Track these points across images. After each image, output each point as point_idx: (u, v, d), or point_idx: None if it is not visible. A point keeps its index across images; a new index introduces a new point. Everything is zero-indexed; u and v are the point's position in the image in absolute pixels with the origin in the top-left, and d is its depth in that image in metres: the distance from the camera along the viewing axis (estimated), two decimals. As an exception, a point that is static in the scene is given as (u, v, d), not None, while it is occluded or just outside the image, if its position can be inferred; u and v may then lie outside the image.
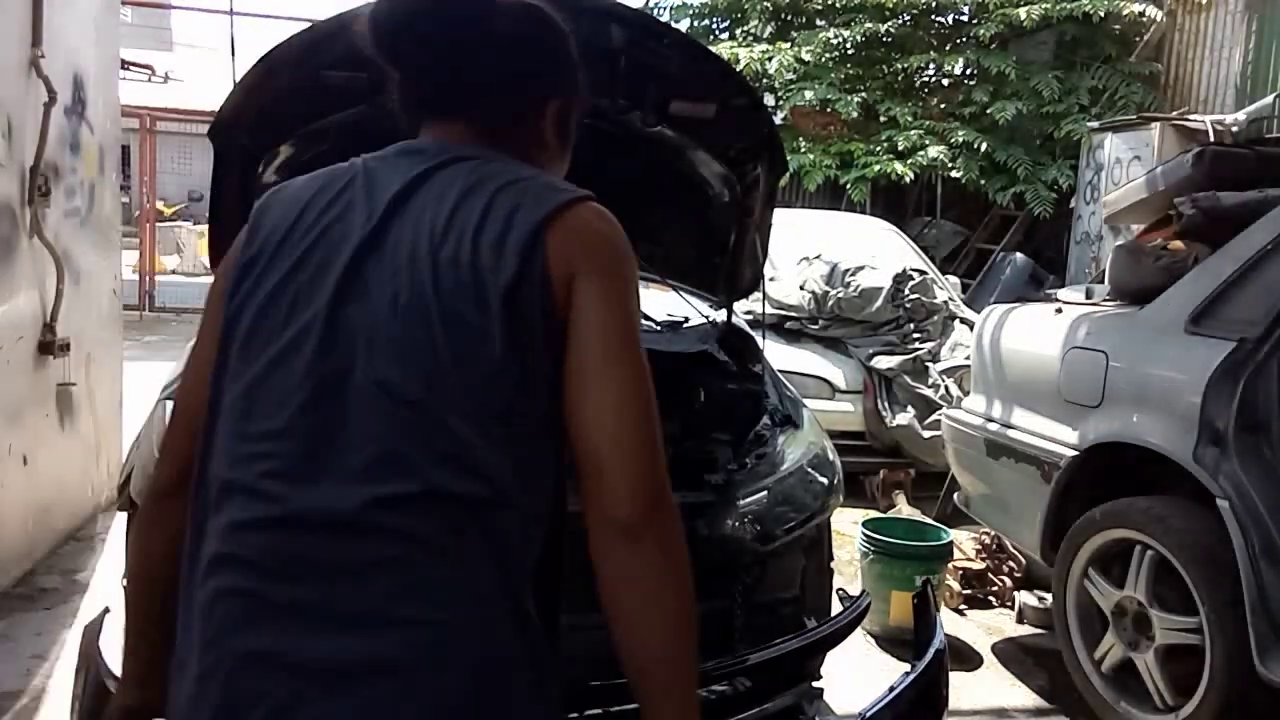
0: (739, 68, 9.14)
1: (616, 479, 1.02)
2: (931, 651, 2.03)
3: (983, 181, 9.38)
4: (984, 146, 9.34)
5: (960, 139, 9.33)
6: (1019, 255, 9.23)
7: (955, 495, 4.24)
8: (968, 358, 4.79)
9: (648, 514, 1.02)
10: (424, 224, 1.08)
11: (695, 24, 11.33)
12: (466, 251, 1.05)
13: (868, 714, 1.91)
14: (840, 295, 5.97)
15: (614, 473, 1.03)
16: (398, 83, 1.21)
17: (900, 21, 10.30)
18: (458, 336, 1.03)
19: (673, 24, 8.94)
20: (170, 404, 2.48)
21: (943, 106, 10.26)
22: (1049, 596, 3.76)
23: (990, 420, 3.85)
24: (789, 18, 10.77)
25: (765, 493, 2.39)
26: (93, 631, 1.81)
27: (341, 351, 1.05)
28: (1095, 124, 8.45)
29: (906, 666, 2.04)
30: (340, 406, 1.03)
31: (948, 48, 10.50)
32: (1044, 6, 9.31)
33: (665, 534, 1.04)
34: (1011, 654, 3.79)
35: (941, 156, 9.24)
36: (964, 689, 3.40)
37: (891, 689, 1.96)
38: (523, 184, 1.11)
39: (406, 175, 1.12)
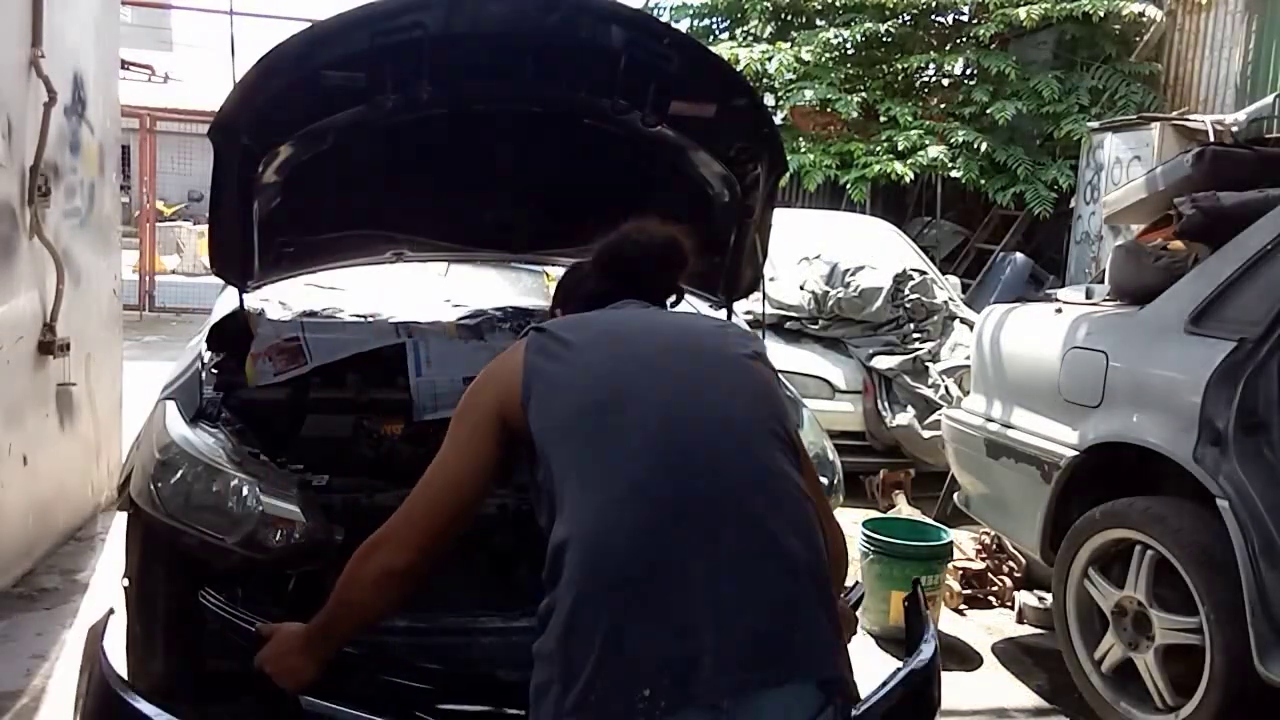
0: (739, 68, 9.13)
1: (828, 523, 1.67)
2: (922, 648, 2.03)
3: (983, 181, 9.37)
4: (984, 146, 9.32)
5: (960, 139, 9.32)
6: (1019, 255, 9.22)
7: (955, 495, 4.24)
8: (968, 358, 4.78)
9: (837, 533, 1.74)
10: (690, 321, 1.76)
11: (695, 24, 11.31)
12: (730, 340, 1.67)
13: (857, 712, 1.90)
14: (840, 295, 5.97)
15: (827, 519, 1.67)
16: (607, 278, 1.75)
17: (900, 21, 10.29)
18: (744, 385, 1.59)
19: (673, 24, 8.94)
20: (170, 403, 2.50)
21: (943, 106, 10.25)
22: (1049, 596, 3.76)
23: (990, 420, 3.85)
24: (789, 18, 10.75)
25: None
26: (97, 632, 1.80)
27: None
28: (1095, 124, 8.43)
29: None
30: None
31: (948, 48, 10.49)
32: (1044, 6, 9.30)
33: (840, 533, 1.76)
34: (1011, 654, 3.79)
35: (941, 156, 9.23)
36: (964, 689, 3.41)
37: (882, 685, 1.97)
38: (719, 318, 1.94)
39: (645, 307, 1.72)
